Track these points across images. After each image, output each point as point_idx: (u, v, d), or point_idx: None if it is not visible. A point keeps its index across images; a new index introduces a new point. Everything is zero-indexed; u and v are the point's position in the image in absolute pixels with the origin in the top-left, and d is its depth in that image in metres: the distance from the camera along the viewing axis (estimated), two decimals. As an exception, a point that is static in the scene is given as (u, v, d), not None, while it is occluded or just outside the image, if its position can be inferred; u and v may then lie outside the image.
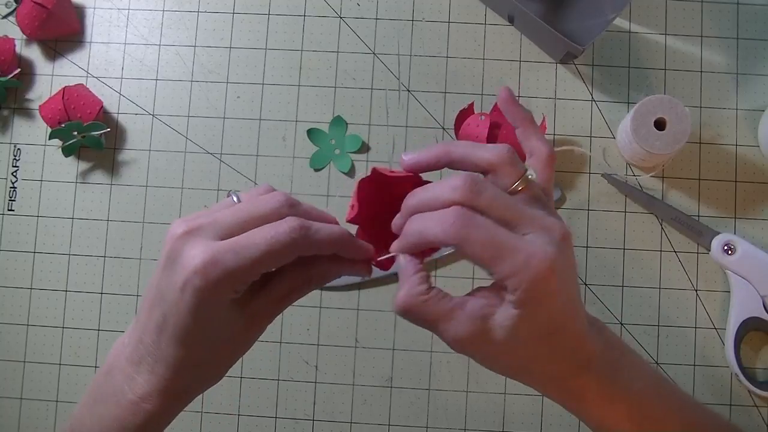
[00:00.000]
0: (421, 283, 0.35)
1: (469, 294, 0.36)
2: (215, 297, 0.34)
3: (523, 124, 0.45)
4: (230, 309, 0.35)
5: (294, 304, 0.39)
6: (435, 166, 0.37)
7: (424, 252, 0.37)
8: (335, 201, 0.63)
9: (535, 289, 0.33)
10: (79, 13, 0.67)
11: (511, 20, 0.64)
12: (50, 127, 0.63)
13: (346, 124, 0.64)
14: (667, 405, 0.39)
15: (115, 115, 0.66)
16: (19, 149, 0.65)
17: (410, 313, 0.35)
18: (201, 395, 0.61)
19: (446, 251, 0.61)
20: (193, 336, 0.35)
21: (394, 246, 0.37)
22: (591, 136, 0.63)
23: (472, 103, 0.62)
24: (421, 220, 0.35)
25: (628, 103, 0.63)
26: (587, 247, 0.61)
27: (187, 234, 0.34)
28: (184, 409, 0.44)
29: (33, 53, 0.66)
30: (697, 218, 0.61)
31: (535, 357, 0.36)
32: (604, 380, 0.37)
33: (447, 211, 0.34)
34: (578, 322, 0.36)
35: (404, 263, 0.36)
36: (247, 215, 0.35)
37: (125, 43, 0.66)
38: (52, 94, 0.64)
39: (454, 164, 0.37)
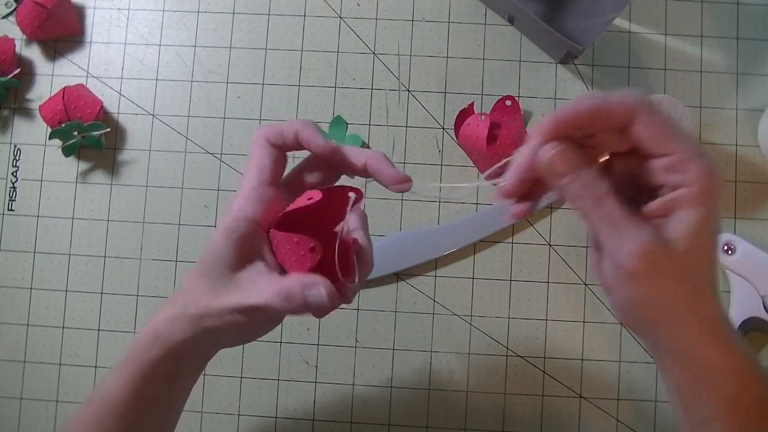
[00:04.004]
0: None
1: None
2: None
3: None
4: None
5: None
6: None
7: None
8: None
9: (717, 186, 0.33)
10: (79, 13, 0.67)
11: (511, 20, 0.64)
12: (50, 127, 0.63)
13: (346, 124, 0.64)
14: None
15: (115, 115, 0.66)
16: (19, 149, 0.65)
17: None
18: (201, 395, 0.61)
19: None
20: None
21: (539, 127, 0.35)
22: (591, 136, 0.63)
23: (472, 103, 0.62)
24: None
25: (628, 103, 0.63)
26: (587, 247, 0.61)
27: None
28: (185, 409, 0.44)
29: (33, 53, 0.67)
30: (697, 218, 0.61)
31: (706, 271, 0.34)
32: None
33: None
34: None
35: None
36: None
37: (125, 43, 0.66)
38: (52, 94, 0.64)
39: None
